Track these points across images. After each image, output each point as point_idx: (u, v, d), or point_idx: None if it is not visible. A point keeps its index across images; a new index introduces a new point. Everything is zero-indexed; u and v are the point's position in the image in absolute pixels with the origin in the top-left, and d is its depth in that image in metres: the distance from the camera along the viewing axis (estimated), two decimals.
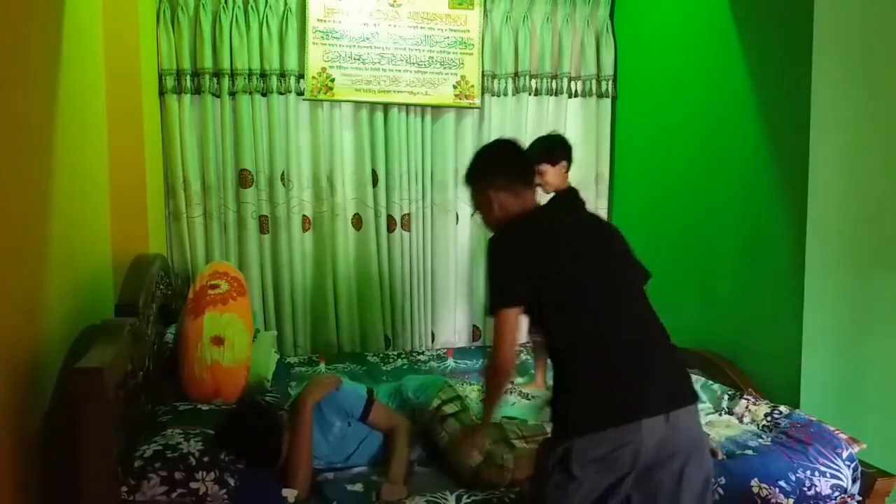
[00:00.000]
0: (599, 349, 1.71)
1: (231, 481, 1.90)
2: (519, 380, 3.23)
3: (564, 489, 1.66)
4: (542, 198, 2.77)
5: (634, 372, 1.70)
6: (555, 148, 3.04)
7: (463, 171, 3.93)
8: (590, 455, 1.64)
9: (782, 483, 2.18)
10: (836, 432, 2.33)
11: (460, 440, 2.14)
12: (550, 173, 2.99)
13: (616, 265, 1.86)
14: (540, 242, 1.79)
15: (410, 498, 2.01)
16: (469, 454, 2.10)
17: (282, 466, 2.08)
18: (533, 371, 3.26)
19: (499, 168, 1.95)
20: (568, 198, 2.71)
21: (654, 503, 1.69)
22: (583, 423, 1.66)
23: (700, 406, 2.73)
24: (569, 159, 3.03)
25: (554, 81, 3.99)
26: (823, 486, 2.20)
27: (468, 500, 2.03)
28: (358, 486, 2.10)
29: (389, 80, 3.72)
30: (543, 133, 3.98)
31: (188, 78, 3.53)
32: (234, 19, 3.53)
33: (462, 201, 3.94)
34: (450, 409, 2.29)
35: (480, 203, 1.96)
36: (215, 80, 3.57)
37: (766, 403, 2.60)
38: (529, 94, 3.95)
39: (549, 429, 1.90)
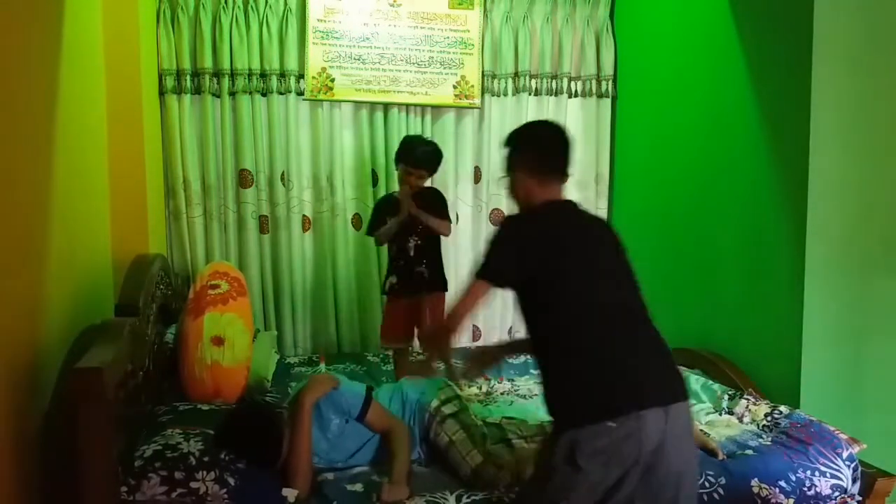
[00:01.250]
0: (600, 344, 1.73)
1: (231, 481, 1.90)
2: (519, 380, 3.23)
3: (571, 482, 1.68)
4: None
5: (635, 365, 1.72)
6: (439, 158, 3.18)
7: (463, 170, 3.94)
8: (594, 446, 1.65)
9: (782, 483, 2.18)
10: (836, 432, 2.33)
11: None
12: (424, 179, 3.14)
13: (619, 269, 1.88)
14: (558, 236, 1.81)
15: (410, 498, 2.00)
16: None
17: (282, 466, 2.08)
18: (531, 370, 3.24)
19: (536, 152, 1.93)
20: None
21: None
22: (586, 415, 1.67)
23: (700, 406, 2.75)
24: None
25: (554, 81, 3.99)
26: (823, 486, 2.19)
27: (468, 501, 2.02)
28: (358, 486, 2.10)
29: (389, 80, 3.72)
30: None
31: (188, 78, 3.53)
32: (234, 19, 3.54)
33: (462, 201, 3.94)
34: (449, 409, 2.29)
35: (508, 176, 1.96)
36: (215, 80, 3.57)
37: (766, 403, 2.60)
38: (529, 94, 3.95)
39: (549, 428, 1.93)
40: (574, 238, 1.83)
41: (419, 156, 3.10)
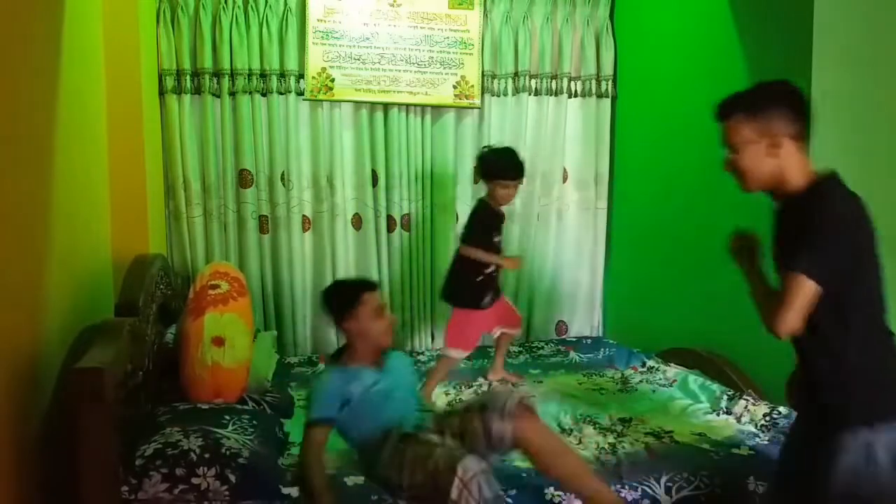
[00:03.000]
0: (884, 340, 1.63)
1: (232, 477, 1.90)
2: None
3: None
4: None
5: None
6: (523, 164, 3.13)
7: (462, 170, 3.88)
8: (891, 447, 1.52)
9: None
10: None
11: None
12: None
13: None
14: (864, 231, 1.60)
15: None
16: None
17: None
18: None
19: (797, 109, 1.57)
20: None
21: None
22: (881, 414, 1.55)
23: (698, 406, 2.75)
24: None
25: (554, 81, 3.99)
26: None
27: None
28: (359, 479, 2.10)
29: (389, 80, 3.72)
30: (543, 133, 4.00)
31: (188, 78, 3.53)
32: (234, 19, 3.53)
33: (462, 201, 3.93)
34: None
35: (754, 141, 1.60)
36: (215, 80, 3.57)
37: (766, 403, 2.60)
38: (529, 94, 3.95)
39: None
40: (871, 232, 1.63)
41: (519, 166, 3.08)
